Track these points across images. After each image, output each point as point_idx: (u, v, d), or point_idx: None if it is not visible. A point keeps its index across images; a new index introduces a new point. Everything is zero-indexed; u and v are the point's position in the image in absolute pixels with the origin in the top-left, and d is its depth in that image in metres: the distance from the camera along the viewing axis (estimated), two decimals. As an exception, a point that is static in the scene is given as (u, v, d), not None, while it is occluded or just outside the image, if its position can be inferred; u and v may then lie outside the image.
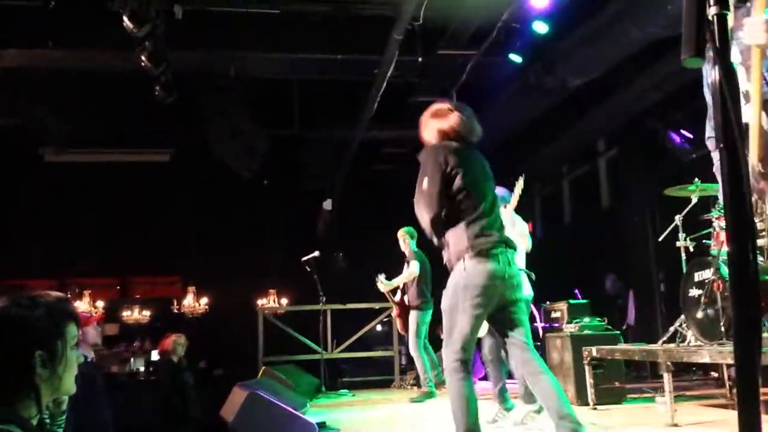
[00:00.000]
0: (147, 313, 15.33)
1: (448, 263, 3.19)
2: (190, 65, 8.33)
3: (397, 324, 7.11)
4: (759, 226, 2.18)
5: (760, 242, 2.21)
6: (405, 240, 6.91)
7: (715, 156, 2.36)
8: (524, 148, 10.37)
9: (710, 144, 2.44)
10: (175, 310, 14.49)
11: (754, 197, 2.14)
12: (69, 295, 12.58)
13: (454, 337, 3.03)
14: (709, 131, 2.45)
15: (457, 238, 3.12)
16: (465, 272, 3.03)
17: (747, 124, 2.09)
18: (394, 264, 7.38)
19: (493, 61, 8.11)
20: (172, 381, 7.23)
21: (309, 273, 7.90)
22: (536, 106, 8.58)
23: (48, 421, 1.70)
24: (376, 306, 8.88)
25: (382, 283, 6.95)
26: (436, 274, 6.33)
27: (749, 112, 2.07)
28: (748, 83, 2.13)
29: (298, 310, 10.23)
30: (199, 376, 9.78)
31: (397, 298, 7.03)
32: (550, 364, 5.99)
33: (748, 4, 2.15)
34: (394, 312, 7.10)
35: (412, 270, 6.75)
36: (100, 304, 13.96)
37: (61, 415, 1.78)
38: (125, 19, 6.23)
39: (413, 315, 6.70)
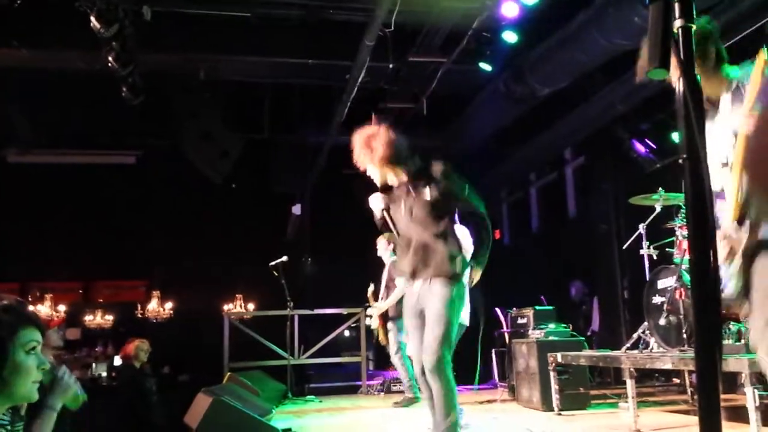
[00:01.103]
0: (110, 317, 15.07)
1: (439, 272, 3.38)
2: (159, 67, 8.22)
3: (380, 334, 7.03)
4: (723, 276, 2.40)
5: (724, 295, 2.38)
6: (387, 247, 6.79)
7: None
8: (493, 155, 10.46)
9: None
10: (139, 315, 14.28)
11: (727, 247, 2.36)
12: (30, 299, 12.36)
13: (449, 340, 3.30)
14: None
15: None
16: (464, 288, 3.45)
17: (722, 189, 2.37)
18: (360, 270, 7.37)
19: (463, 68, 8.16)
20: (134, 387, 7.12)
21: (276, 278, 7.85)
22: (505, 114, 8.66)
23: (8, 428, 1.66)
24: (344, 312, 8.85)
25: (375, 308, 6.84)
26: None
27: (728, 179, 2.33)
28: (729, 151, 2.36)
29: (265, 316, 10.14)
30: (163, 382, 9.64)
31: (378, 311, 6.96)
32: (515, 369, 6.04)
33: (741, 89, 2.37)
34: (376, 323, 7.01)
35: (400, 289, 6.67)
36: (62, 308, 13.69)
37: (20, 421, 1.74)
38: (92, 19, 6.12)
39: (394, 325, 6.68)
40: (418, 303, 3.44)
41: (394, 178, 3.56)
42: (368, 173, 3.59)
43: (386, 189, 3.64)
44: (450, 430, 3.35)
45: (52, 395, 1.93)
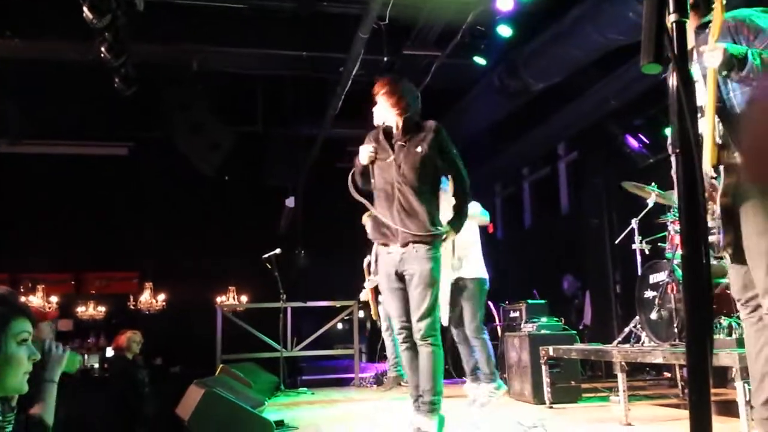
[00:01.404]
0: (102, 309, 15.05)
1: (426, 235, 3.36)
2: (151, 58, 8.18)
3: (372, 309, 7.08)
4: (710, 224, 2.41)
5: (710, 239, 2.41)
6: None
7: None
8: (487, 149, 10.47)
9: (671, 149, 2.71)
10: (132, 307, 14.25)
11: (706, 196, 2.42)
12: (22, 290, 12.31)
13: (438, 302, 3.35)
14: (671, 138, 2.70)
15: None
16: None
17: (702, 135, 2.36)
18: (353, 263, 7.38)
19: (457, 62, 8.16)
20: (126, 378, 7.10)
21: (270, 270, 7.84)
22: (499, 109, 8.66)
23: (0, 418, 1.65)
24: (337, 304, 8.85)
25: (369, 281, 6.91)
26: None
27: (704, 125, 2.34)
28: (704, 99, 2.39)
29: (258, 308, 10.15)
30: (155, 374, 9.63)
31: (372, 284, 7.00)
32: (507, 363, 6.06)
33: (707, 30, 2.43)
34: (369, 296, 7.03)
35: None
36: (54, 299, 13.65)
37: (11, 412, 1.73)
38: (85, 9, 6.08)
39: None
40: (399, 265, 3.38)
41: (394, 124, 3.55)
42: (374, 110, 3.60)
43: (377, 138, 3.62)
44: (435, 402, 3.35)
45: (48, 369, 1.93)
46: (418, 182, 3.39)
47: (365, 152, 3.52)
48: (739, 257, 2.43)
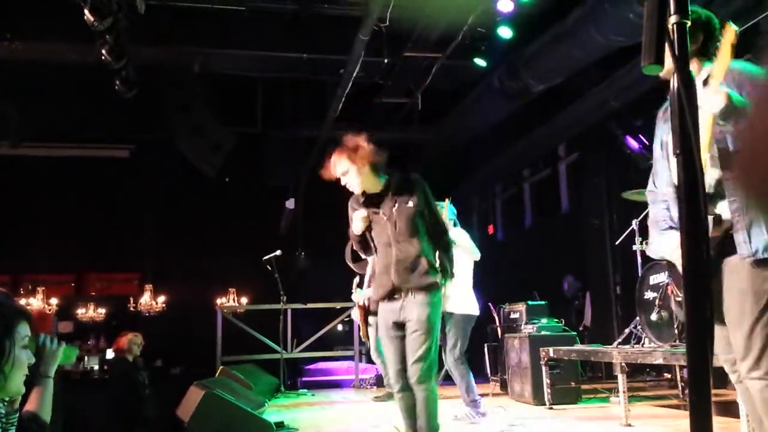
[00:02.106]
0: (102, 310, 15.03)
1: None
2: (152, 60, 8.19)
3: (361, 329, 7.06)
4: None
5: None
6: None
7: (654, 209, 2.61)
8: (487, 150, 10.47)
9: (649, 197, 2.70)
10: (132, 308, 14.25)
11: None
12: (22, 292, 12.32)
13: (435, 348, 3.38)
14: (650, 186, 2.71)
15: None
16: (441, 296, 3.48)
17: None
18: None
19: (458, 64, 8.16)
20: (127, 380, 7.10)
21: (270, 272, 7.84)
22: (500, 110, 8.67)
23: (3, 420, 1.66)
24: (337, 306, 8.86)
25: (356, 293, 6.90)
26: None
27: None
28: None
29: (258, 309, 10.15)
30: (155, 375, 9.63)
31: (361, 302, 6.99)
32: (508, 364, 6.07)
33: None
34: (357, 316, 7.04)
35: None
36: (54, 301, 13.65)
37: (14, 414, 1.73)
38: (86, 12, 6.09)
39: (374, 320, 6.70)
40: (400, 313, 3.39)
41: (376, 187, 3.50)
42: (345, 180, 3.48)
43: (363, 203, 3.56)
44: None
45: (43, 364, 1.91)
46: (415, 235, 3.40)
47: (359, 219, 3.50)
48: (718, 317, 2.28)
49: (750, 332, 2.19)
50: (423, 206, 3.43)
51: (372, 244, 3.56)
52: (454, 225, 5.05)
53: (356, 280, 7.08)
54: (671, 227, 2.47)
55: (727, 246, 2.25)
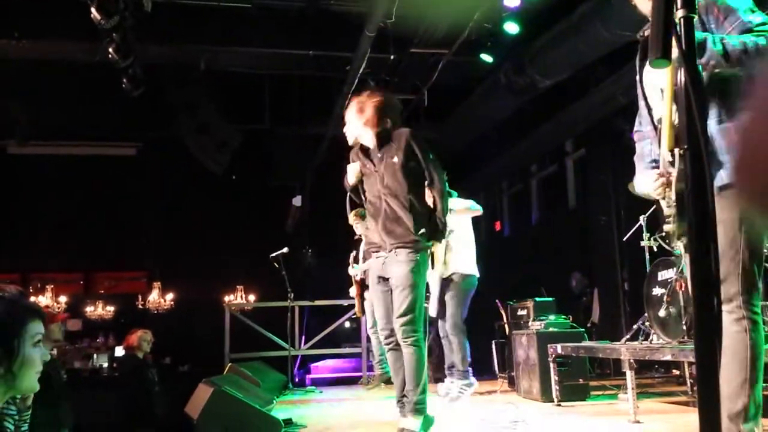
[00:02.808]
0: (111, 308, 15.10)
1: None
2: (159, 58, 8.21)
3: (356, 305, 7.11)
4: (666, 212, 2.33)
5: (666, 228, 2.34)
6: (359, 222, 6.85)
7: (639, 145, 2.64)
8: (494, 146, 10.45)
9: (636, 136, 2.71)
10: (140, 306, 14.31)
11: (663, 182, 2.34)
12: (31, 290, 12.39)
13: (419, 304, 3.41)
14: (637, 126, 2.70)
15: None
16: (427, 256, 3.50)
17: (660, 119, 2.33)
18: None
19: (464, 60, 8.15)
20: (136, 377, 7.13)
21: (277, 269, 7.86)
22: (506, 106, 8.65)
23: (16, 417, 1.67)
24: (345, 303, 8.86)
25: (353, 268, 6.97)
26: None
27: (662, 108, 2.27)
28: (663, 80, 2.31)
29: (266, 307, 10.17)
30: (164, 373, 9.67)
31: (358, 277, 7.03)
32: (515, 361, 6.06)
33: None
34: (354, 291, 7.08)
35: None
36: (63, 299, 13.72)
37: (27, 411, 1.75)
38: (93, 10, 6.11)
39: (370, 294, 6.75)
40: (382, 270, 3.47)
41: (368, 138, 3.59)
42: (347, 128, 3.65)
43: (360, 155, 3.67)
44: (420, 401, 3.37)
45: None
46: (401, 190, 3.46)
47: (352, 172, 3.63)
48: None
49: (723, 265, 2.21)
50: (408, 159, 3.46)
51: (363, 196, 3.64)
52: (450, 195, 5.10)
53: (353, 254, 7.09)
54: (654, 163, 2.48)
55: None
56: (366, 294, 6.81)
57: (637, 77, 2.59)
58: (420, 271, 3.39)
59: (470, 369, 4.92)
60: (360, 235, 7.00)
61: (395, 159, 3.47)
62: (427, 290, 4.94)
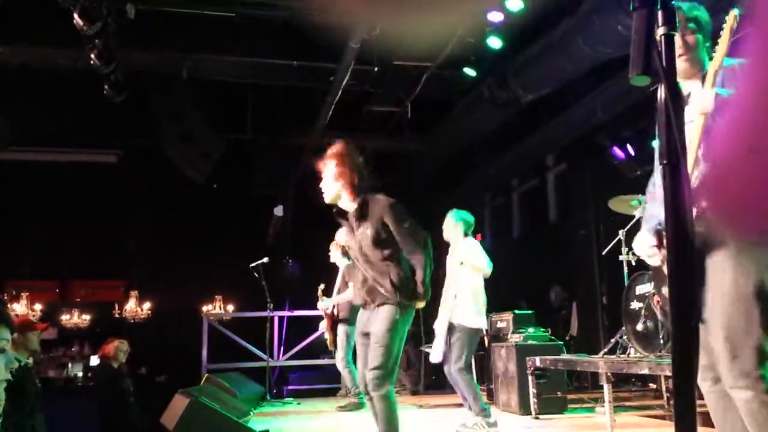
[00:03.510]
0: (87, 317, 14.91)
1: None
2: (141, 65, 8.16)
3: (328, 338, 7.07)
4: (665, 271, 2.33)
5: (665, 291, 2.34)
6: (339, 251, 6.85)
7: (650, 206, 2.59)
8: (476, 159, 10.50)
9: (647, 197, 2.69)
10: (117, 315, 14.14)
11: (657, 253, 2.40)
12: (6, 297, 12.19)
13: (390, 362, 3.44)
14: (650, 187, 2.67)
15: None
16: (410, 314, 3.54)
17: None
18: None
19: (448, 73, 8.19)
20: (112, 387, 7.04)
21: (257, 279, 7.82)
22: (489, 120, 8.70)
23: None
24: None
25: (322, 301, 6.93)
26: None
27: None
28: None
29: (245, 317, 10.10)
30: (140, 383, 9.55)
31: (329, 310, 6.99)
32: (494, 373, 6.06)
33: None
34: (325, 325, 7.05)
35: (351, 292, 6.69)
36: (38, 306, 13.52)
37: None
38: (75, 16, 6.06)
39: (342, 328, 6.72)
40: (365, 325, 3.55)
41: (347, 203, 3.59)
42: (322, 185, 3.63)
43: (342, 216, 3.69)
44: None
45: None
46: (377, 259, 3.49)
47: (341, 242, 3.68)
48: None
49: (739, 335, 2.10)
50: (379, 229, 3.48)
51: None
52: (465, 235, 5.04)
53: (321, 287, 7.06)
54: (660, 226, 2.43)
55: (712, 242, 2.19)
56: (339, 327, 6.79)
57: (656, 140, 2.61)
58: (398, 330, 3.44)
59: (488, 407, 4.85)
60: (334, 262, 7.00)
61: (368, 231, 3.49)
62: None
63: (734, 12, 2.22)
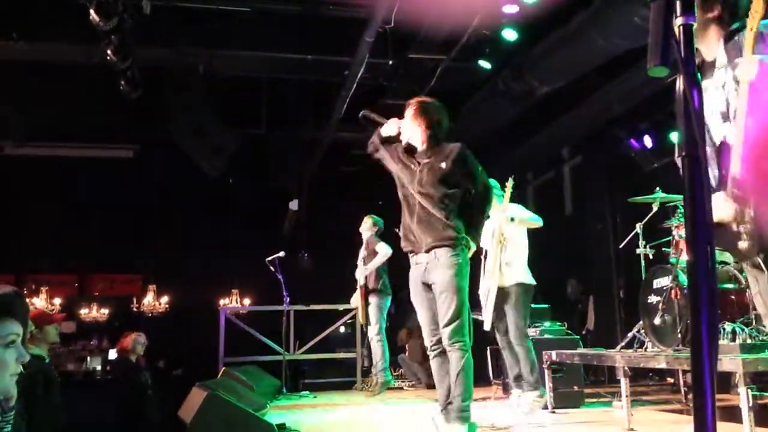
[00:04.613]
0: (105, 311, 15.06)
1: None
2: (157, 61, 8.21)
3: (360, 312, 7.12)
4: (735, 229, 2.32)
5: (741, 245, 2.31)
6: (367, 223, 6.96)
7: None
8: (490, 153, 10.45)
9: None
10: (135, 309, 14.27)
11: (734, 203, 2.33)
12: (25, 291, 12.34)
13: (465, 307, 3.42)
14: None
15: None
16: (467, 254, 3.51)
17: (724, 142, 2.36)
18: (357, 266, 7.39)
19: (462, 66, 8.16)
20: (129, 380, 7.11)
21: (273, 273, 7.85)
22: (504, 112, 8.67)
23: None
24: (340, 307, 8.84)
25: (360, 270, 6.99)
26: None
27: (732, 132, 2.30)
28: (726, 105, 2.35)
29: (261, 311, 10.14)
30: (158, 376, 9.64)
31: (361, 281, 7.04)
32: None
33: (737, 38, 2.37)
34: (358, 298, 7.10)
35: (383, 251, 6.78)
36: (58, 300, 13.67)
37: (9, 412, 1.71)
38: (92, 12, 6.10)
39: (373, 300, 6.77)
40: (425, 275, 3.47)
41: (418, 142, 3.64)
42: (402, 127, 3.68)
43: (405, 151, 3.72)
44: (465, 408, 3.37)
45: None
46: (438, 195, 3.48)
47: (393, 125, 3.70)
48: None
49: None
50: (456, 170, 3.51)
51: (394, 167, 3.71)
52: (510, 201, 5.06)
53: (361, 255, 7.11)
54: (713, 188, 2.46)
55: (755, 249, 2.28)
56: (370, 299, 6.82)
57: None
58: (463, 273, 3.40)
59: (540, 379, 4.85)
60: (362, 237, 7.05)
61: (443, 165, 3.51)
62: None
63: None
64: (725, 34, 2.44)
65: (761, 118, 2.21)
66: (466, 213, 3.57)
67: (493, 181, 4.88)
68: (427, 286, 3.48)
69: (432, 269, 3.42)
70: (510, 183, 4.97)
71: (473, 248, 3.57)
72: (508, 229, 4.85)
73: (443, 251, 3.39)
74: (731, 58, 2.37)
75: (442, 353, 3.43)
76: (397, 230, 3.82)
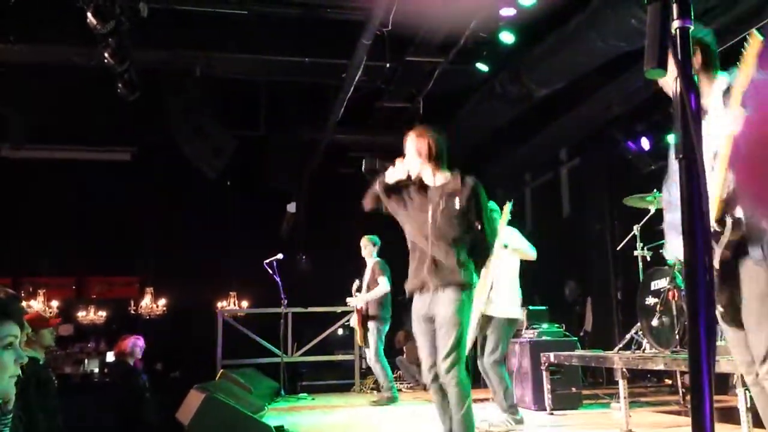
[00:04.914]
0: (103, 313, 15.04)
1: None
2: (155, 63, 8.20)
3: (359, 334, 7.12)
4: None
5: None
6: (367, 247, 6.95)
7: (670, 216, 2.58)
8: (488, 155, 10.47)
9: (665, 206, 2.70)
10: (132, 311, 14.25)
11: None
12: (22, 294, 12.32)
13: (463, 343, 3.41)
14: (665, 194, 2.69)
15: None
16: (473, 294, 3.53)
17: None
18: (355, 268, 7.40)
19: (460, 69, 8.17)
20: (127, 383, 7.10)
21: (271, 275, 7.85)
22: (501, 115, 8.67)
23: None
24: (338, 310, 8.85)
25: (355, 299, 6.98)
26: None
27: (714, 177, 2.27)
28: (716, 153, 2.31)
29: (259, 313, 10.13)
30: (155, 379, 9.63)
31: (358, 306, 7.03)
32: (508, 369, 6.05)
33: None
34: (355, 321, 7.09)
35: (382, 288, 6.75)
36: (55, 303, 13.65)
37: (7, 415, 1.71)
38: (89, 15, 6.10)
39: (372, 324, 6.76)
40: (428, 309, 3.47)
41: (431, 177, 3.56)
42: (405, 161, 3.53)
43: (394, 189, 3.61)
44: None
45: None
46: (453, 236, 3.44)
47: (397, 174, 3.52)
48: (734, 319, 2.31)
49: None
50: (464, 205, 3.46)
51: (401, 212, 3.60)
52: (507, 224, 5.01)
53: (355, 284, 7.11)
54: None
55: (743, 249, 2.26)
56: (369, 324, 6.84)
57: (673, 142, 2.60)
58: (465, 309, 3.41)
59: (516, 404, 4.81)
60: (364, 260, 7.03)
61: (455, 205, 3.45)
62: None
63: (758, 36, 2.23)
64: (716, 85, 2.42)
65: (741, 167, 2.22)
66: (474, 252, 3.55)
67: (492, 204, 4.89)
68: (430, 319, 3.49)
69: (436, 304, 3.43)
70: (508, 207, 4.91)
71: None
72: (500, 254, 4.82)
73: (450, 289, 3.40)
74: (724, 109, 2.35)
75: (441, 386, 3.44)
76: (400, 298, 3.75)
